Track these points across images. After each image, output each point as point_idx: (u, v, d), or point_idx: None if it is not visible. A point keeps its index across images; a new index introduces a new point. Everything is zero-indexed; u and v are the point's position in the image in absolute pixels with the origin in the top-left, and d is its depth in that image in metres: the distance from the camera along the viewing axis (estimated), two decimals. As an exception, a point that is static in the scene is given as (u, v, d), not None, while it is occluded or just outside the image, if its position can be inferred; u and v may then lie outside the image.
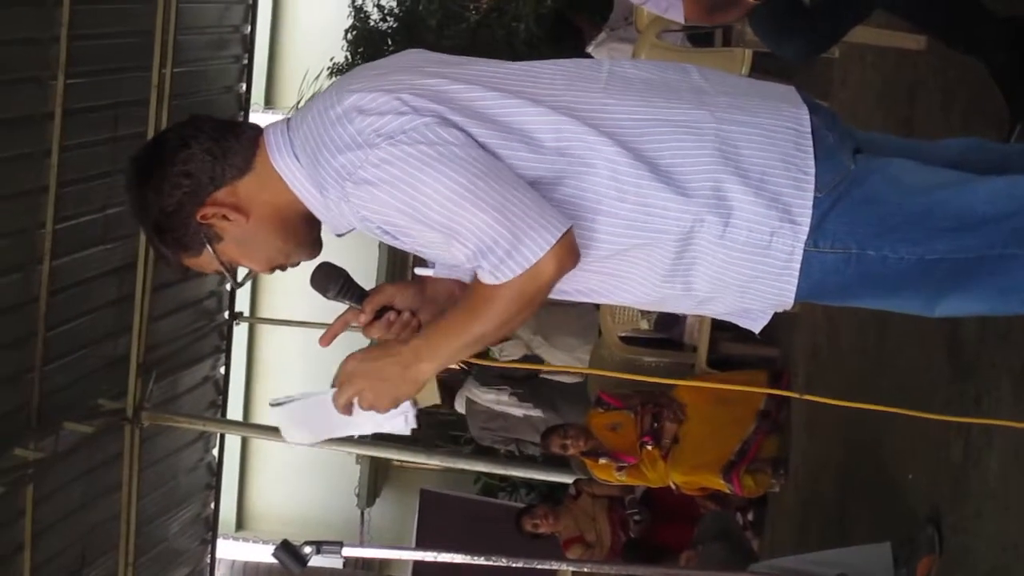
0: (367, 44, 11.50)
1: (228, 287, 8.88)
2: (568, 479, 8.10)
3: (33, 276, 6.25)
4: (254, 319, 12.58)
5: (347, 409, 2.17)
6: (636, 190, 2.04)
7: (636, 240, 2.07)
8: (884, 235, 2.09)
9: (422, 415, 2.30)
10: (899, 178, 2.14)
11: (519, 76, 2.14)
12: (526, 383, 8.38)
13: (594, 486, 7.32)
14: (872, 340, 4.93)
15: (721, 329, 6.46)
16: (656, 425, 6.43)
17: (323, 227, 2.24)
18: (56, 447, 6.56)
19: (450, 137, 1.98)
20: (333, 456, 12.13)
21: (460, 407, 8.69)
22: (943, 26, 3.86)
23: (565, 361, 7.96)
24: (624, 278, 2.17)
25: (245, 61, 8.66)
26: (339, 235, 2.21)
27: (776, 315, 2.27)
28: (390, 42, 11.50)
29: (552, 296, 2.12)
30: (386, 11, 11.98)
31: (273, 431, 9.25)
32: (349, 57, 11.55)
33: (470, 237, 1.96)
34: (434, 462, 10.22)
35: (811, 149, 2.09)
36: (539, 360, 8.28)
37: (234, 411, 11.48)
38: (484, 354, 8.18)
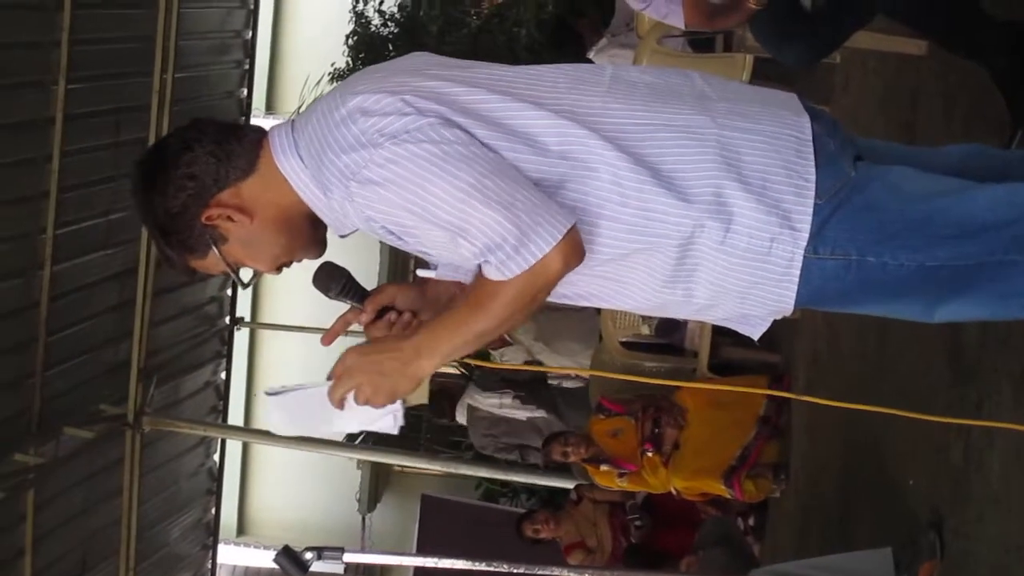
0: (368, 49, 11.52)
1: (229, 292, 8.89)
2: (569, 484, 8.10)
3: (34, 281, 6.24)
4: (255, 324, 12.58)
5: (340, 403, 2.16)
6: (638, 195, 2.05)
7: (637, 244, 2.08)
8: (884, 242, 2.10)
9: (419, 420, 2.30)
10: (899, 185, 2.15)
11: (522, 80, 2.15)
12: (528, 386, 8.38)
13: (595, 491, 7.31)
14: (873, 345, 4.93)
15: (722, 334, 6.46)
16: (657, 431, 6.42)
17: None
18: (57, 452, 6.55)
19: (453, 137, 1.99)
20: (334, 461, 12.14)
21: (461, 418, 8.66)
22: (944, 31, 3.86)
23: (567, 366, 7.96)
24: (624, 283, 2.18)
25: (246, 66, 8.67)
26: (342, 236, 2.22)
27: (777, 320, 2.27)
28: (391, 47, 11.51)
29: (552, 300, 2.13)
30: (387, 16, 12.00)
31: (273, 436, 9.26)
32: (350, 62, 11.57)
33: (478, 235, 1.97)
34: (435, 467, 10.20)
35: (812, 156, 2.10)
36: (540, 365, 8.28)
37: (235, 416, 11.46)
38: (485, 357, 8.19)
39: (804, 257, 2.09)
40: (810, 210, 2.07)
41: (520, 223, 1.95)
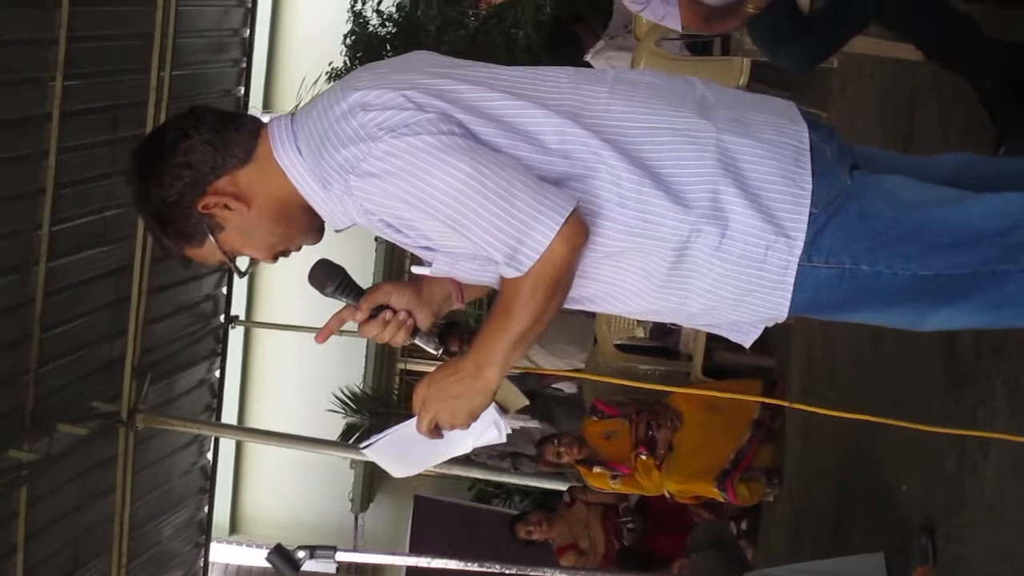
0: (366, 49, 11.51)
1: (224, 291, 8.89)
2: (562, 486, 8.10)
3: (29, 277, 6.24)
4: (250, 323, 12.57)
5: (435, 433, 2.20)
6: (636, 197, 2.05)
7: (631, 244, 2.08)
8: (878, 250, 2.10)
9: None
10: (894, 194, 2.15)
11: (524, 79, 2.16)
12: (522, 395, 8.36)
13: (588, 494, 7.32)
14: (868, 351, 4.93)
15: (717, 338, 6.45)
16: (650, 433, 6.43)
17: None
18: (50, 449, 6.55)
19: (451, 131, 2.00)
20: (327, 461, 12.13)
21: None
22: (936, 43, 3.87)
23: (561, 368, 7.96)
24: (620, 287, 2.18)
25: (244, 65, 8.67)
26: (338, 230, 2.22)
27: (772, 325, 2.27)
28: (389, 47, 11.51)
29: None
30: (385, 16, 11.99)
31: (267, 435, 9.26)
32: (348, 62, 11.57)
33: (479, 233, 1.99)
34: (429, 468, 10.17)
35: (809, 165, 2.11)
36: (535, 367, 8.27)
37: (229, 415, 11.49)
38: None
39: (799, 265, 2.09)
40: (805, 218, 2.08)
41: (520, 213, 1.96)
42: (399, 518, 12.53)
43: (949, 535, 3.81)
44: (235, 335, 10.20)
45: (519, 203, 1.96)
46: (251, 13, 8.60)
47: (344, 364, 12.57)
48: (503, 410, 2.26)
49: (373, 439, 2.37)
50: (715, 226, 2.06)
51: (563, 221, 1.96)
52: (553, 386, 8.78)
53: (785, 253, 2.08)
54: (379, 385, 12.99)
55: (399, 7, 12.37)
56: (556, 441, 6.82)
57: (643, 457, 6.36)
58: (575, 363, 7.94)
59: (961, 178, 2.30)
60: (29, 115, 6.08)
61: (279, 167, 2.15)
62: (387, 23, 11.97)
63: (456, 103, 2.05)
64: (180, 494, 8.86)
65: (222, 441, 9.86)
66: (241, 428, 12.30)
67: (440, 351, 2.44)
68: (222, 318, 9.02)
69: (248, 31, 8.61)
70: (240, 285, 11.16)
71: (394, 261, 12.18)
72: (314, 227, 2.25)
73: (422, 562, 3.86)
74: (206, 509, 9.31)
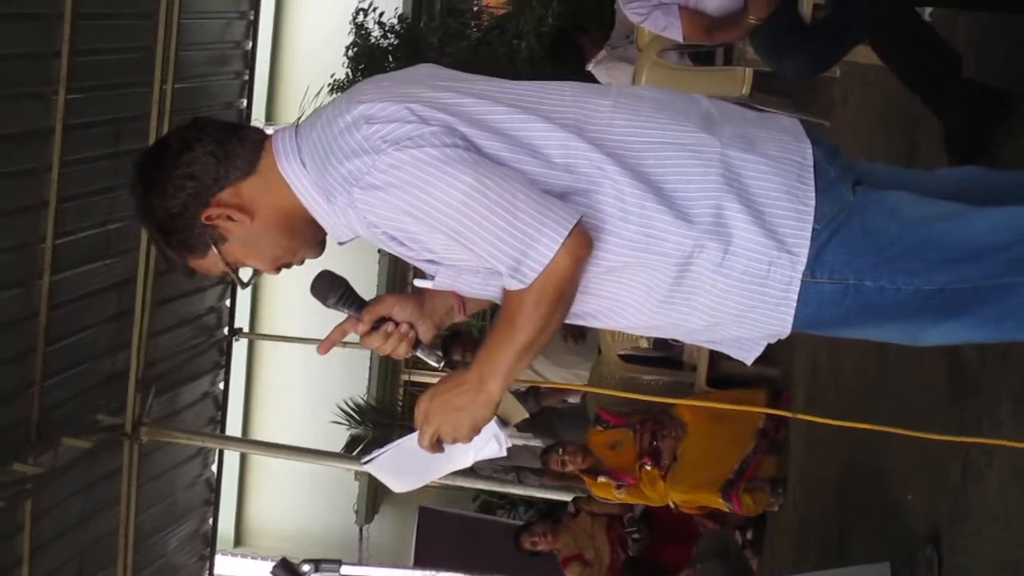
0: (368, 61, 11.52)
1: (227, 303, 8.89)
2: (567, 497, 8.09)
3: (33, 291, 6.25)
4: (253, 335, 12.58)
5: (436, 447, 2.20)
6: (640, 211, 2.06)
7: (634, 259, 2.08)
8: (882, 266, 2.11)
9: None
10: (898, 209, 2.16)
11: (529, 93, 2.17)
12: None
13: (593, 504, 7.31)
14: (872, 360, 4.92)
15: (721, 348, 6.45)
16: (655, 443, 6.42)
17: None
18: (55, 462, 6.55)
19: (455, 143, 2.00)
20: (331, 472, 12.13)
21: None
22: (914, 73, 3.88)
23: (565, 379, 7.94)
24: (621, 302, 2.18)
25: (246, 77, 8.68)
26: (341, 243, 2.23)
27: (775, 341, 2.27)
28: (391, 59, 11.51)
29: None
30: (387, 28, 12.00)
31: (271, 447, 9.26)
32: (350, 74, 11.57)
33: (483, 245, 1.99)
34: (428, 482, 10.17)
35: (813, 181, 2.11)
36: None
37: (233, 427, 11.48)
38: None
39: (802, 281, 2.10)
40: (808, 235, 2.08)
41: (523, 230, 1.96)
42: (404, 529, 12.51)
43: (954, 545, 3.80)
44: (239, 347, 10.21)
45: (523, 215, 1.96)
46: (253, 25, 8.61)
47: (348, 376, 12.57)
48: (504, 423, 2.26)
49: (374, 454, 2.37)
50: (718, 242, 2.06)
51: (567, 233, 1.96)
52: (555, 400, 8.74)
53: (788, 269, 2.09)
54: (383, 397, 12.99)
55: (401, 19, 12.38)
56: (561, 450, 6.82)
57: (648, 467, 6.35)
58: (578, 373, 7.93)
59: (963, 192, 2.30)
60: (32, 129, 6.09)
61: (283, 179, 2.15)
62: (389, 35, 11.98)
63: (460, 116, 2.05)
64: (185, 507, 8.86)
65: (226, 453, 9.87)
66: (245, 440, 12.29)
67: (442, 364, 2.44)
68: (226, 330, 9.01)
69: (250, 43, 8.62)
70: (243, 297, 11.18)
71: (397, 273, 12.19)
72: (317, 240, 2.25)
73: (427, 574, 3.85)
74: (211, 521, 9.30)
